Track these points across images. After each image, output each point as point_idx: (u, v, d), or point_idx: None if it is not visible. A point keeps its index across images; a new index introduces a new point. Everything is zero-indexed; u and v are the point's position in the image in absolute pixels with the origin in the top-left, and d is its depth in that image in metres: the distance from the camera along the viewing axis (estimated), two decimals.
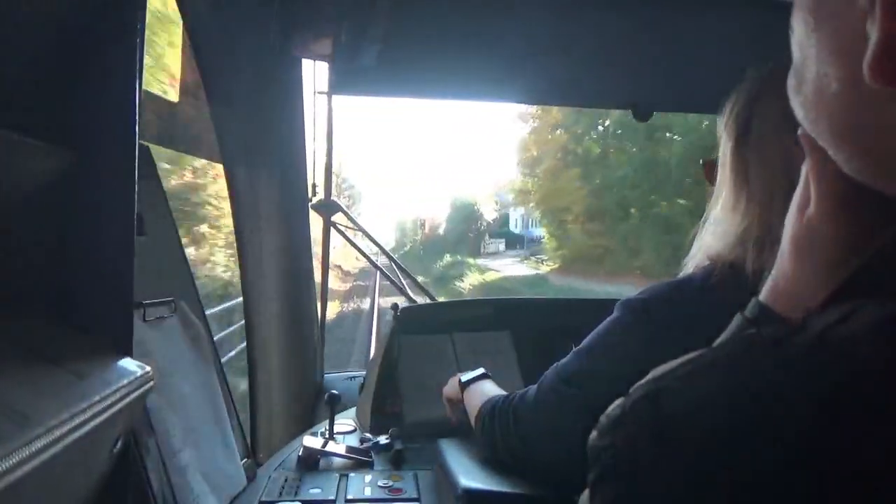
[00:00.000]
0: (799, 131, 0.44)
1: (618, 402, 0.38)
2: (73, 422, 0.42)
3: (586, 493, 0.39)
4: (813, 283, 0.51)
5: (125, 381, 0.51)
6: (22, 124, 0.48)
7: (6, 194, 0.49)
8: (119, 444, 0.54)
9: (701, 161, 1.00)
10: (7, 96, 0.48)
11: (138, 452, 0.72)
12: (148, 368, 0.57)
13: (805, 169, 0.51)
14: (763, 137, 0.82)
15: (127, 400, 0.51)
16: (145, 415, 0.88)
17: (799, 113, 0.41)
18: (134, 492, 0.61)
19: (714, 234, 0.87)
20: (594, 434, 0.38)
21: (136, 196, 0.57)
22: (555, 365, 1.01)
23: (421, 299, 2.17)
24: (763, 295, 0.57)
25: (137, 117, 0.57)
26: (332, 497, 1.14)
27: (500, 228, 49.37)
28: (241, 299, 1.59)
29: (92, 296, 0.58)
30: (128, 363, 0.56)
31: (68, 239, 0.57)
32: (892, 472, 0.26)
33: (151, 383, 0.58)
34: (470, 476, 1.03)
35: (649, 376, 0.39)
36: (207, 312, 1.36)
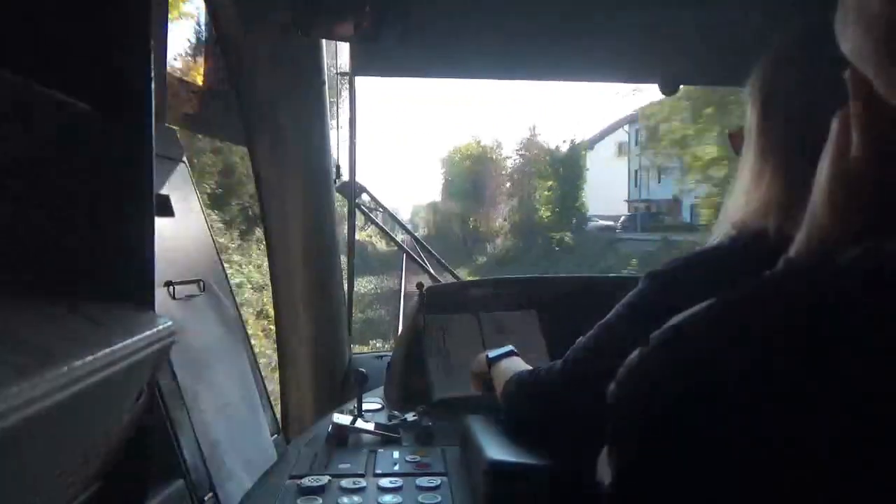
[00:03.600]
0: (846, 73, 0.43)
1: (636, 351, 0.38)
2: (94, 364, 0.43)
3: (605, 449, 0.38)
4: (851, 231, 0.49)
5: (147, 333, 0.53)
6: (39, 74, 0.49)
7: (23, 143, 0.50)
8: (143, 395, 0.56)
9: (727, 132, 0.99)
10: (23, 42, 0.49)
11: (165, 409, 0.74)
12: (170, 322, 0.58)
13: (838, 118, 0.49)
14: (786, 104, 0.82)
15: (149, 350, 0.52)
16: (174, 382, 0.90)
17: (845, 46, 0.40)
18: (161, 446, 0.63)
19: (739, 202, 0.87)
20: (613, 386, 0.37)
21: (153, 154, 0.59)
22: (581, 338, 1.00)
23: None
24: (792, 252, 0.55)
25: (153, 74, 0.58)
26: (362, 471, 1.15)
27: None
28: None
29: (111, 253, 0.59)
30: (150, 316, 0.58)
31: (87, 197, 0.58)
32: None
33: (174, 338, 0.59)
34: (497, 450, 1.02)
35: (667, 324, 0.38)
36: None
